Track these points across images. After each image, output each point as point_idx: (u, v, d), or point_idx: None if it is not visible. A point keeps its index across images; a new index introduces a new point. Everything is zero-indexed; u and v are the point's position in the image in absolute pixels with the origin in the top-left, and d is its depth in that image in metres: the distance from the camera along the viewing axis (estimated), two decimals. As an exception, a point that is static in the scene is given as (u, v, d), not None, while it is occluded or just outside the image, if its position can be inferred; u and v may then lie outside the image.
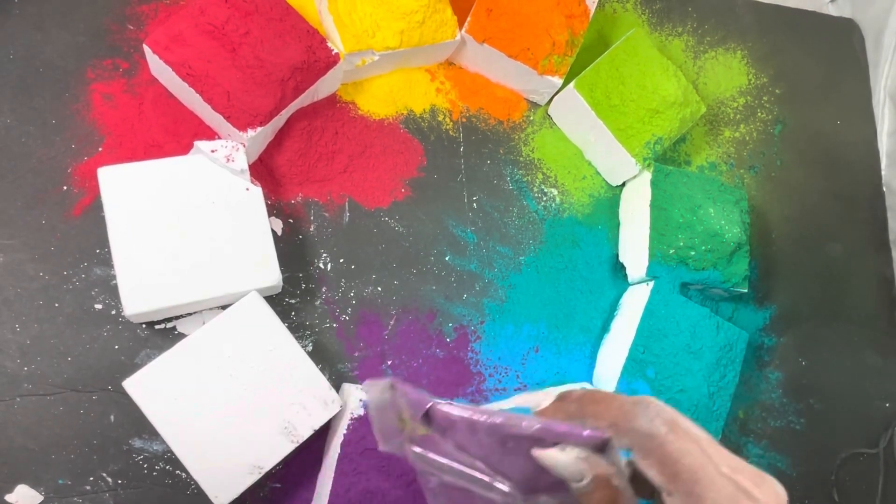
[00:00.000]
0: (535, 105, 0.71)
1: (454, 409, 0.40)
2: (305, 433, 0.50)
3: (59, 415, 0.51)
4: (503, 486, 0.40)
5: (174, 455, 0.48)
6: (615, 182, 0.70)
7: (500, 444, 0.39)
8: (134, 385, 0.48)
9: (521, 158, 0.69)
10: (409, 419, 0.42)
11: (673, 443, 0.36)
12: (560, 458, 0.37)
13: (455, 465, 0.41)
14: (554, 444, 0.37)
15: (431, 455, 0.42)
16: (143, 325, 0.54)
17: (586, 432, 0.36)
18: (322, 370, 0.53)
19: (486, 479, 0.40)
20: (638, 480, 0.37)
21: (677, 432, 0.36)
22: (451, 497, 0.44)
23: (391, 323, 0.60)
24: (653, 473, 0.36)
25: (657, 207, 0.64)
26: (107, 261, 0.54)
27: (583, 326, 0.65)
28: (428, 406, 0.41)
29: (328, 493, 0.51)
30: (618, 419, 0.37)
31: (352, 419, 0.53)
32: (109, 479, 0.50)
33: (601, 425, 0.37)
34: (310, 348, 0.57)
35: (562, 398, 0.40)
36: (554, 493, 0.39)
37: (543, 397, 0.41)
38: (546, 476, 0.38)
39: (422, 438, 0.42)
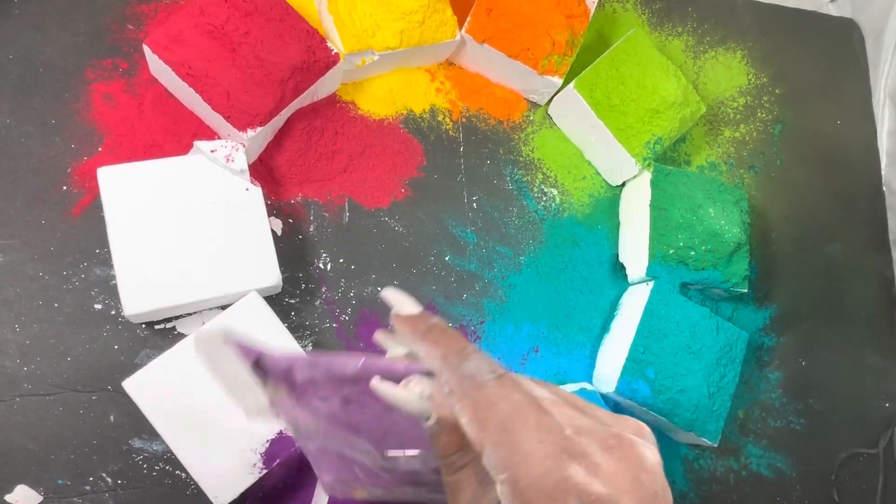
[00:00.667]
0: (535, 105, 0.71)
1: (279, 354, 0.35)
2: (305, 433, 0.50)
3: (59, 415, 0.51)
4: (365, 444, 0.37)
5: (174, 455, 0.48)
6: (615, 182, 0.70)
7: (338, 390, 0.35)
8: (133, 385, 0.48)
9: (521, 158, 0.69)
10: (269, 382, 0.37)
11: (492, 387, 0.30)
12: (400, 395, 0.33)
13: (319, 426, 0.38)
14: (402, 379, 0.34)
15: (300, 420, 0.38)
16: (143, 326, 0.54)
17: (403, 367, 0.33)
18: (322, 370, 0.52)
19: (350, 438, 0.37)
20: None
21: (503, 380, 0.31)
22: (330, 462, 0.41)
23: (391, 323, 0.60)
24: (465, 421, 0.30)
25: (657, 207, 0.64)
26: (106, 261, 0.54)
27: (583, 326, 0.65)
28: (256, 357, 0.36)
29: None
30: (450, 355, 0.32)
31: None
32: (109, 480, 0.50)
33: (432, 354, 0.33)
34: (310, 348, 0.57)
35: (421, 316, 0.36)
36: (411, 446, 0.35)
37: (411, 306, 0.38)
38: (399, 430, 0.35)
39: (286, 403, 0.38)
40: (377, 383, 0.34)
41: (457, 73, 0.69)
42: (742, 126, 0.79)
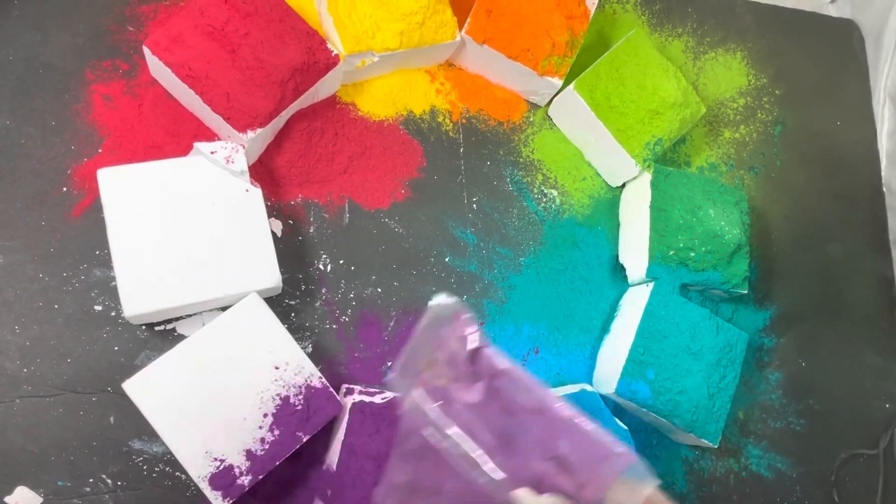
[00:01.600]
0: (535, 106, 0.71)
1: (502, 358, 0.39)
2: (306, 434, 0.50)
3: (59, 416, 0.51)
4: (494, 473, 0.39)
5: (174, 456, 0.48)
6: (615, 183, 0.70)
7: (510, 421, 0.38)
8: (134, 386, 0.48)
9: (521, 159, 0.69)
10: (434, 364, 0.41)
11: None
12: (529, 502, 0.36)
13: (455, 429, 0.40)
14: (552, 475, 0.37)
15: (432, 407, 0.41)
16: (143, 327, 0.54)
17: (620, 449, 0.36)
18: (322, 371, 0.52)
19: (479, 456, 0.39)
20: None
21: None
22: (418, 467, 0.43)
23: (391, 324, 0.60)
24: None
25: (657, 208, 0.64)
26: (106, 262, 0.54)
27: (583, 327, 0.65)
28: (479, 345, 0.39)
29: (330, 491, 0.51)
30: None
31: (351, 419, 0.52)
32: (109, 481, 0.50)
33: None
34: (310, 349, 0.57)
35: None
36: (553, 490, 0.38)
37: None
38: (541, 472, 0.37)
39: (433, 389, 0.41)
40: (515, 492, 0.37)
41: (457, 74, 0.69)
42: (742, 127, 0.79)
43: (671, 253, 0.63)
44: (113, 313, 0.53)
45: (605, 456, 0.36)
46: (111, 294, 0.54)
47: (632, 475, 0.37)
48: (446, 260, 0.63)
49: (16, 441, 0.49)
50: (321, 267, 0.60)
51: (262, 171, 0.59)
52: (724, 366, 0.61)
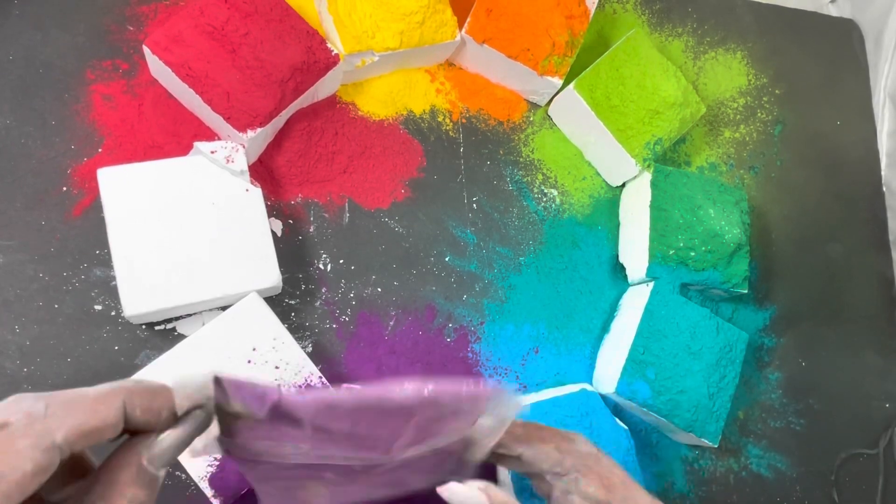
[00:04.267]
0: (535, 106, 0.71)
1: (308, 397, 0.35)
2: (305, 434, 0.50)
3: (59, 416, 0.50)
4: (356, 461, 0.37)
5: (174, 456, 0.48)
6: (615, 183, 0.70)
7: (365, 419, 0.36)
8: (134, 386, 0.48)
9: (521, 159, 0.69)
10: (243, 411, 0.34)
11: (605, 457, 0.42)
12: (460, 491, 0.40)
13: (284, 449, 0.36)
14: (447, 468, 0.38)
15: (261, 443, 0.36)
16: (143, 326, 0.54)
17: (464, 389, 0.36)
18: (322, 371, 0.53)
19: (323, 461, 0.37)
20: None
21: (603, 454, 0.42)
22: (277, 485, 0.38)
23: (391, 324, 0.60)
24: (592, 489, 0.40)
25: (657, 208, 0.64)
26: (106, 262, 0.54)
27: (583, 327, 0.65)
28: (274, 400, 0.34)
29: (328, 494, 0.51)
30: (561, 442, 0.42)
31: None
32: (109, 481, 0.50)
33: (548, 447, 0.41)
34: (310, 349, 0.57)
35: (515, 425, 0.43)
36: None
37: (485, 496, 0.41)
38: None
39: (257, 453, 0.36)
40: (442, 489, 0.40)
41: (457, 73, 0.69)
42: (742, 127, 0.79)
43: (671, 252, 0.63)
44: (113, 313, 0.53)
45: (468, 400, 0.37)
46: (111, 293, 0.54)
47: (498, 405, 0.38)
48: (446, 259, 0.63)
49: (16, 440, 0.49)
50: (321, 266, 0.60)
51: (262, 171, 0.59)
52: (724, 365, 0.61)
